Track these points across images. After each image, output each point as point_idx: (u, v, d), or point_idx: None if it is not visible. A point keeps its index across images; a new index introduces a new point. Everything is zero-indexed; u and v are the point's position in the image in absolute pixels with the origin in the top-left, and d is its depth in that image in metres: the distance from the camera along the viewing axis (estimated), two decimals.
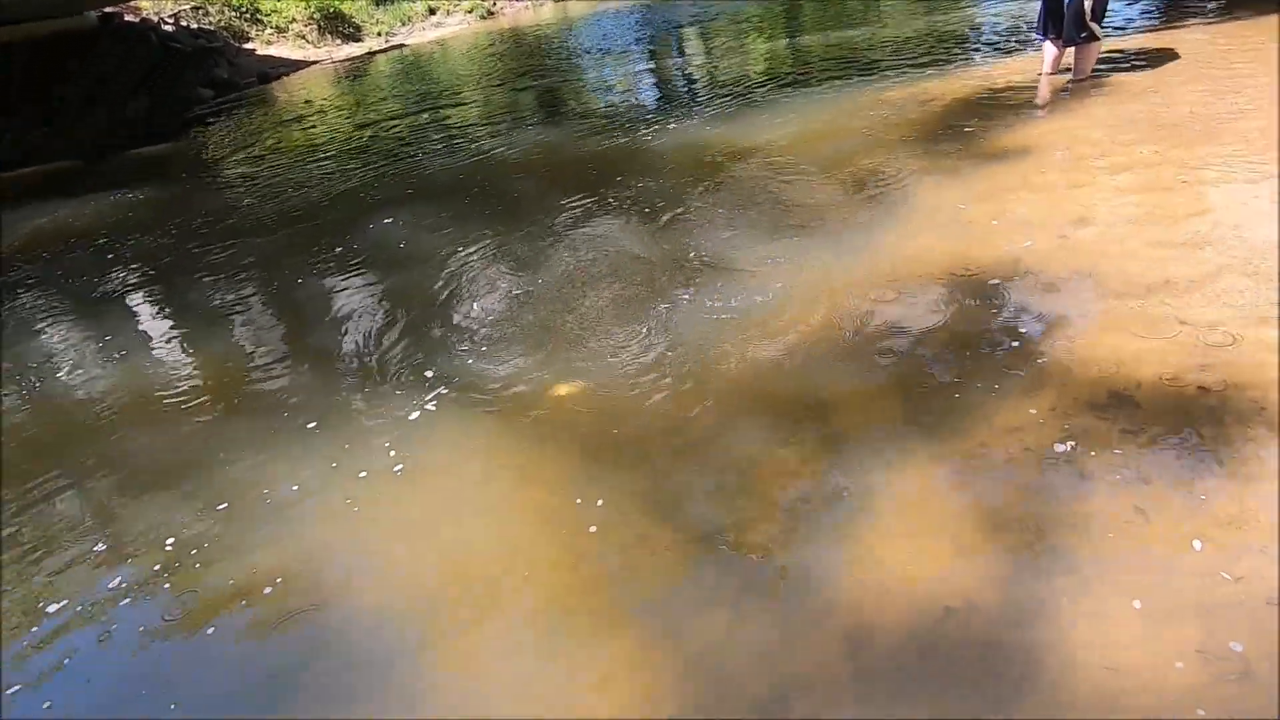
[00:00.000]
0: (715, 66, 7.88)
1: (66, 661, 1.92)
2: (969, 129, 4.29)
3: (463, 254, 3.88)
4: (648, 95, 7.22)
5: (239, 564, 2.12)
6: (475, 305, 3.33)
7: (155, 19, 11.99)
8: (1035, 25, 4.97)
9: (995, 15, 7.23)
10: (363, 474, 2.38)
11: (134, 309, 4.10)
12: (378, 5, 15.69)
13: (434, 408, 2.65)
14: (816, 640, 1.63)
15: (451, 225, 4.35)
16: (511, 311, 3.22)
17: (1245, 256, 2.60)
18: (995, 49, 6.06)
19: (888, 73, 5.84)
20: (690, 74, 7.87)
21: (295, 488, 2.39)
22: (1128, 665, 1.47)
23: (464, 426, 2.56)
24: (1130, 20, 6.03)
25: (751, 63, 7.62)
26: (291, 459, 2.54)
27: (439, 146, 6.39)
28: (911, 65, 5.92)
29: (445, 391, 2.73)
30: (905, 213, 3.45)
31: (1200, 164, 3.31)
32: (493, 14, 16.38)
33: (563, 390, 2.61)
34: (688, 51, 9.21)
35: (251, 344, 3.49)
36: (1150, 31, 5.63)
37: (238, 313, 3.80)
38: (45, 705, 1.81)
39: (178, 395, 3.08)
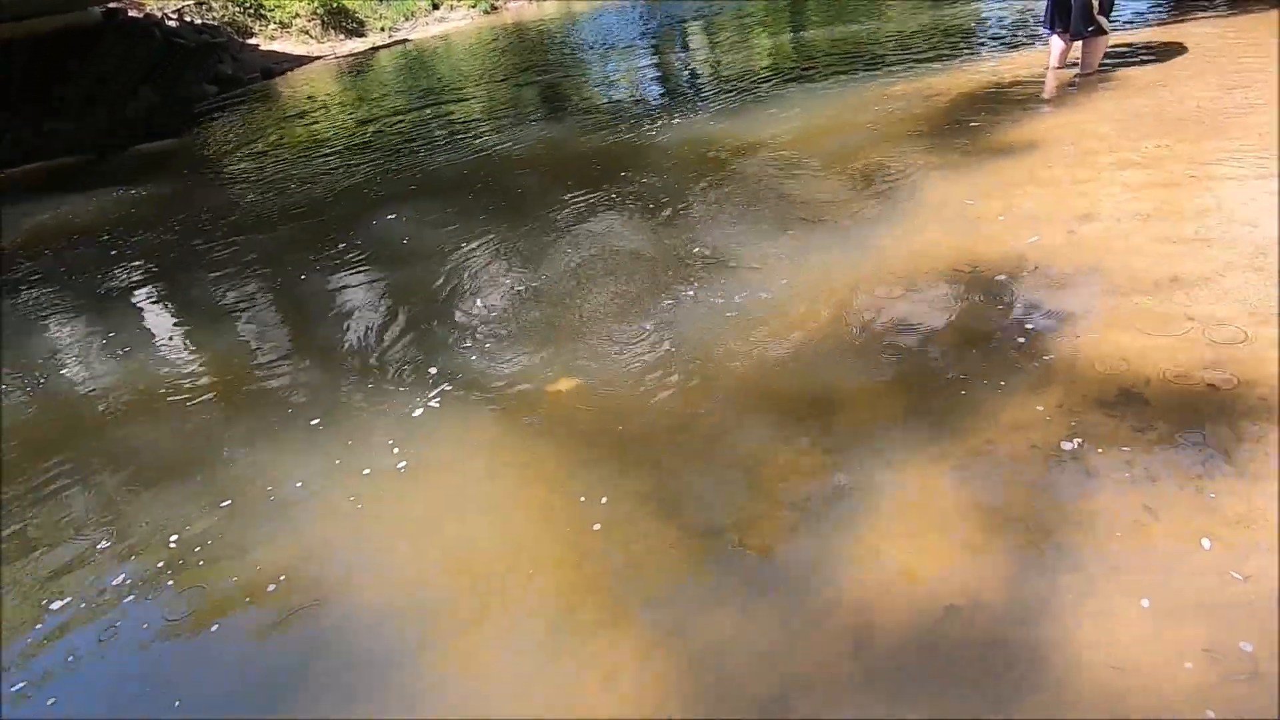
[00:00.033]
0: (719, 61, 7.84)
1: (70, 659, 1.92)
2: (975, 124, 4.27)
3: (466, 250, 3.88)
4: (651, 90, 7.20)
5: (242, 561, 2.12)
6: (478, 301, 3.33)
7: (159, 14, 11.98)
8: (1042, 19, 4.93)
9: (1001, 9, 7.19)
10: (366, 471, 2.38)
11: (137, 305, 4.10)
12: (381, 0, 15.66)
13: (437, 404, 2.65)
14: (820, 638, 1.62)
15: (455, 221, 4.34)
16: (515, 308, 3.21)
17: (1254, 253, 2.58)
18: (1001, 43, 6.02)
19: (893, 67, 5.81)
20: (694, 69, 7.84)
21: (299, 485, 2.38)
22: (1135, 664, 1.46)
23: (467, 423, 2.55)
24: (1139, 14, 5.99)
25: (756, 57, 7.59)
26: (295, 456, 2.53)
27: (442, 142, 6.37)
28: (917, 60, 5.88)
29: (448, 388, 2.73)
30: (911, 208, 3.43)
31: (1208, 159, 3.28)
32: (496, 9, 16.33)
33: (561, 386, 2.60)
34: (691, 46, 9.17)
35: (255, 340, 3.49)
36: (1158, 25, 5.59)
37: (241, 309, 3.80)
38: (50, 702, 1.82)
39: (181, 392, 3.08)
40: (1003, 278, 2.74)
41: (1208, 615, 1.51)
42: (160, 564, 2.16)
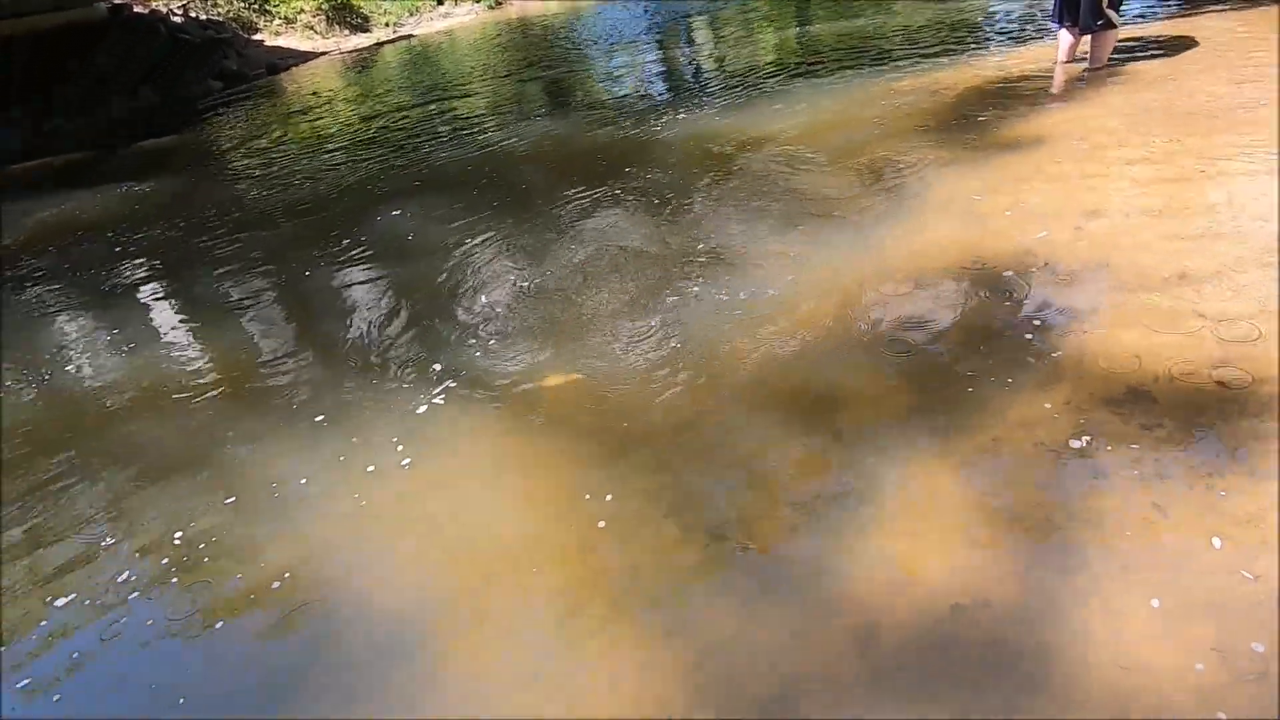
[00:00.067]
0: (725, 56, 7.81)
1: (74, 655, 1.92)
2: (983, 118, 4.23)
3: (470, 246, 3.87)
4: (656, 86, 7.17)
5: (246, 559, 2.12)
6: (483, 298, 3.32)
7: (165, 10, 11.99)
8: (1051, 13, 4.89)
9: (1009, 3, 7.13)
10: (370, 468, 2.38)
11: (141, 302, 4.10)
12: None
13: (441, 401, 2.64)
14: (824, 638, 1.61)
15: (459, 217, 4.33)
16: (519, 304, 3.20)
17: (1264, 249, 2.55)
18: (1009, 37, 5.97)
19: (900, 62, 5.77)
20: (699, 64, 7.81)
21: (303, 481, 2.38)
22: (1144, 665, 1.44)
23: (471, 421, 2.55)
24: (1149, 8, 5.94)
25: (761, 52, 7.55)
26: (299, 453, 2.53)
27: (447, 138, 6.36)
28: (923, 54, 5.84)
29: (453, 385, 2.72)
30: (918, 204, 3.41)
31: (1218, 154, 3.25)
32: (500, 4, 16.29)
33: (558, 380, 2.59)
34: (697, 41, 9.14)
35: (259, 337, 3.49)
36: (1167, 20, 5.54)
37: (245, 306, 3.80)
38: (55, 699, 1.82)
39: (185, 389, 3.08)
40: (1010, 274, 2.72)
41: (1218, 615, 1.50)
42: (165, 561, 2.16)
